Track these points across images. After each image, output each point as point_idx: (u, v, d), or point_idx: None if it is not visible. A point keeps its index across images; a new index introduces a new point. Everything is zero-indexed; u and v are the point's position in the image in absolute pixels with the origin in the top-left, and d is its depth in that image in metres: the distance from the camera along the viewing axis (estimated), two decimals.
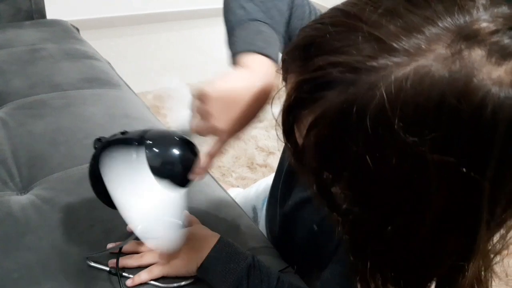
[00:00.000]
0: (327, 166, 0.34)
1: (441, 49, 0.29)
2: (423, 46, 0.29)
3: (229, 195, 0.88)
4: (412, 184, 0.31)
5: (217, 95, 0.50)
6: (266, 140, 1.88)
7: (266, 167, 1.76)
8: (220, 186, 0.90)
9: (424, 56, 0.29)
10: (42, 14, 1.50)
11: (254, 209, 0.97)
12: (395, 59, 0.29)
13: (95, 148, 0.57)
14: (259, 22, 0.59)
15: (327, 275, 0.54)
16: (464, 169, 0.29)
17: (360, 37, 0.31)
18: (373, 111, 0.30)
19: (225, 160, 1.76)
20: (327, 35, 0.32)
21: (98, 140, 0.58)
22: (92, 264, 0.63)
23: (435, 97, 0.28)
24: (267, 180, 0.99)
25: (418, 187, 0.31)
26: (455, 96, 0.28)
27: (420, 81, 0.29)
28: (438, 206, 0.32)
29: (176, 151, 0.55)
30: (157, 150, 0.54)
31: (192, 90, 0.51)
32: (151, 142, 0.55)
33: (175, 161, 0.55)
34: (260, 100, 0.52)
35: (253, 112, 0.53)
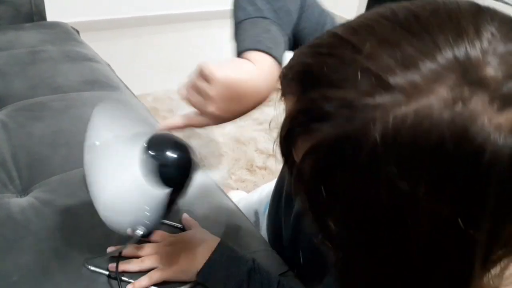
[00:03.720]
0: (320, 196, 0.33)
1: (443, 91, 0.27)
2: (422, 85, 0.28)
3: (229, 198, 0.88)
4: (403, 224, 0.30)
5: (223, 82, 0.49)
6: (265, 143, 1.88)
7: (265, 169, 1.76)
8: (220, 189, 0.90)
9: (425, 96, 0.28)
10: (42, 16, 1.49)
11: (256, 213, 0.97)
12: (392, 97, 0.28)
13: None
14: (268, 20, 0.59)
15: (330, 280, 0.54)
16: (459, 222, 0.29)
17: (356, 71, 0.29)
18: (367, 149, 0.29)
19: (225, 162, 1.76)
20: (324, 67, 0.31)
21: None
22: (92, 268, 0.63)
23: (433, 141, 0.27)
24: (271, 185, 0.99)
25: (408, 228, 0.30)
26: (453, 140, 0.27)
27: (419, 123, 0.27)
28: (428, 249, 0.31)
29: (172, 154, 0.55)
30: (152, 152, 0.54)
31: (198, 64, 0.50)
32: (147, 144, 0.54)
33: (171, 164, 0.55)
34: (260, 100, 0.52)
35: (249, 109, 0.53)
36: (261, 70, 0.53)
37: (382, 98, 0.28)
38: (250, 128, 1.96)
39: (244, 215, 0.84)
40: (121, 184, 0.53)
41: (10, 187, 0.79)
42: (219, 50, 2.76)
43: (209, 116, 0.52)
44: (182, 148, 0.57)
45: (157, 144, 0.55)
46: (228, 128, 1.94)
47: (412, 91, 0.28)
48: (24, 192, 0.78)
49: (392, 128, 0.28)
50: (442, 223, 0.29)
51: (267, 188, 1.00)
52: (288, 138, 0.35)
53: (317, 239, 0.37)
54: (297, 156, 0.35)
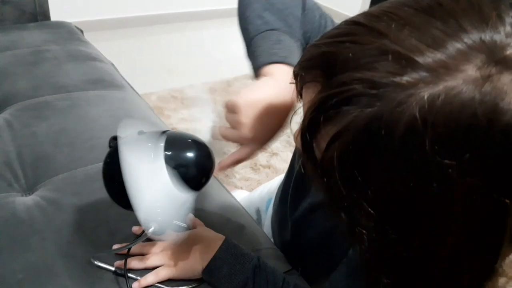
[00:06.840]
0: (349, 182, 0.34)
1: (471, 71, 0.29)
2: (451, 65, 0.29)
3: (233, 197, 0.88)
4: (437, 203, 0.31)
5: (246, 104, 0.51)
6: None
7: (269, 168, 1.76)
8: (224, 187, 0.90)
9: (453, 75, 0.29)
10: (46, 16, 1.50)
11: (258, 211, 0.98)
12: (422, 77, 0.29)
13: (110, 146, 0.57)
14: (278, 30, 0.60)
15: (337, 275, 0.54)
16: (494, 194, 0.30)
17: (384, 53, 0.30)
18: (402, 128, 0.30)
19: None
20: (350, 53, 0.32)
21: (114, 139, 0.58)
22: (98, 263, 0.63)
23: (466, 118, 0.29)
24: (272, 183, 0.99)
25: (442, 206, 0.31)
26: (485, 117, 0.28)
27: (451, 101, 0.29)
28: (461, 225, 0.32)
29: (192, 154, 0.55)
30: (173, 152, 0.54)
31: (223, 102, 0.53)
32: (168, 143, 0.54)
33: (191, 164, 0.55)
34: (286, 108, 0.54)
35: (280, 120, 0.54)
36: (279, 80, 0.54)
37: (413, 78, 0.29)
38: None
39: (248, 214, 0.84)
40: (158, 199, 0.53)
41: (15, 186, 0.79)
42: (224, 49, 2.76)
43: (249, 142, 0.55)
44: (201, 147, 0.57)
45: (177, 144, 0.55)
46: None
47: (441, 70, 0.29)
48: (29, 191, 0.79)
49: (428, 106, 0.29)
50: (477, 196, 0.30)
51: (268, 185, 1.00)
52: (311, 127, 0.35)
53: (333, 223, 0.37)
54: (320, 145, 0.35)
